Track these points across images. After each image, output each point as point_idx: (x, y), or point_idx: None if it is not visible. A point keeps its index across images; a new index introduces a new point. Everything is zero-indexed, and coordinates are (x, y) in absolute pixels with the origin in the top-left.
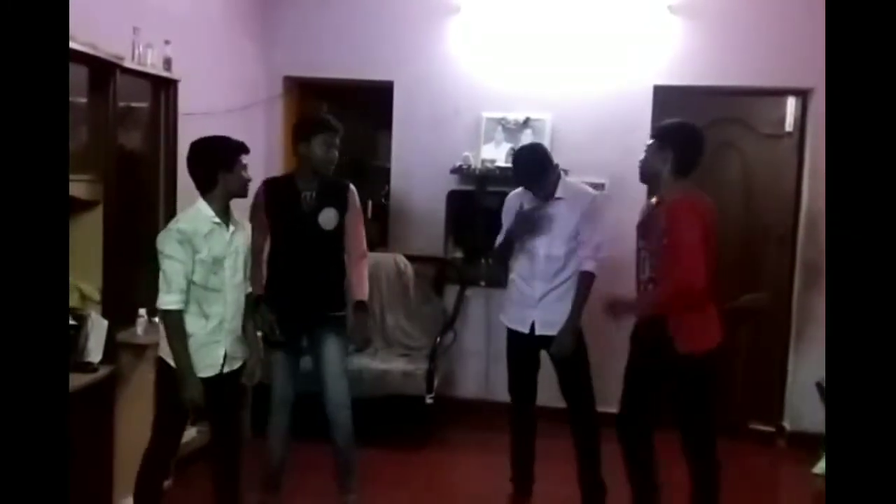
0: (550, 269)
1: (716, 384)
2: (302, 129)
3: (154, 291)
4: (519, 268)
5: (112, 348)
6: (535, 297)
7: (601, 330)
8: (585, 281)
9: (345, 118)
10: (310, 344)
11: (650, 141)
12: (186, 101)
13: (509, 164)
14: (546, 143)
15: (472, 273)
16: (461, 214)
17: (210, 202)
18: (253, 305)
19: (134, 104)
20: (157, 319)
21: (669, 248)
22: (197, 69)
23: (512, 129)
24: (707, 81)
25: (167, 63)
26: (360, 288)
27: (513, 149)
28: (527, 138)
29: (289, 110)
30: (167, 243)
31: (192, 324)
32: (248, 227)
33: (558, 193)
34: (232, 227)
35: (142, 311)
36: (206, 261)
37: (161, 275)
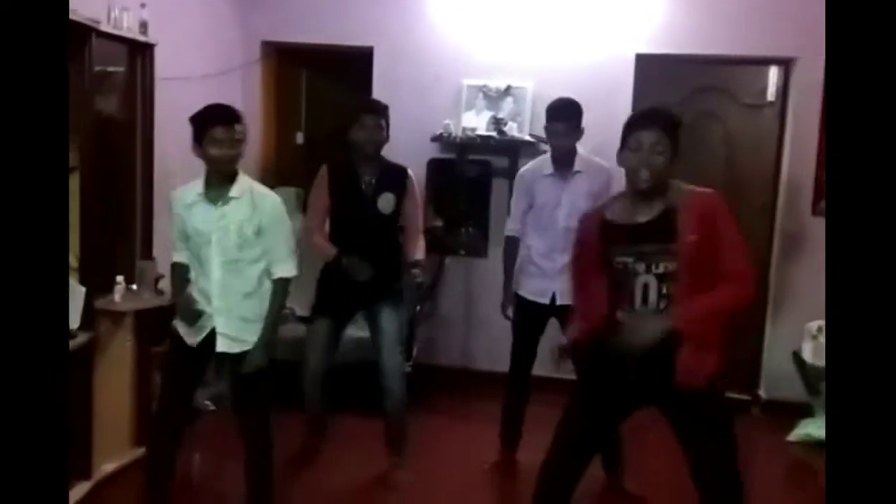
0: (570, 242)
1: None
2: (349, 116)
3: (131, 258)
4: (537, 242)
5: (90, 315)
6: (555, 270)
7: None
8: None
9: (324, 85)
10: (367, 315)
11: (658, 137)
12: (163, 65)
13: (490, 133)
14: (527, 111)
15: (451, 242)
16: (441, 183)
17: (206, 174)
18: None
19: (110, 69)
20: (134, 286)
21: (726, 245)
22: (174, 33)
23: (493, 97)
24: (689, 50)
25: (143, 26)
26: (414, 251)
27: (494, 121)
28: (508, 106)
29: (267, 75)
30: None
31: (193, 287)
32: (259, 204)
33: (576, 167)
34: (221, 203)
35: (119, 278)
36: (188, 231)
37: None
